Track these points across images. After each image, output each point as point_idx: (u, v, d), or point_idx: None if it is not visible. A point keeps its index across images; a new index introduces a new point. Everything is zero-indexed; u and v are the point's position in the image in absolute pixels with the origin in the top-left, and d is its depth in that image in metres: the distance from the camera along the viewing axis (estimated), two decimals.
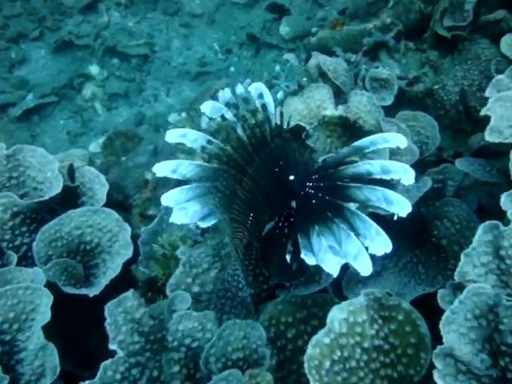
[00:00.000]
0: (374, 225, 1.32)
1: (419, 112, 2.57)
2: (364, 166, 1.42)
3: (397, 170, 1.36)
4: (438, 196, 2.22)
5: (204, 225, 1.51)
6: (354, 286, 1.83)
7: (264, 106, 1.61)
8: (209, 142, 1.61)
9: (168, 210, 2.18)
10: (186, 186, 1.54)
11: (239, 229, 1.50)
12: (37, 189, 2.12)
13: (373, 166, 1.39)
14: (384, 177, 1.38)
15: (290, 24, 4.01)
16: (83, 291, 1.84)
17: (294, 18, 4.02)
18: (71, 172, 2.17)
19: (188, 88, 4.02)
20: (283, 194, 1.57)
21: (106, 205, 2.16)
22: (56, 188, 2.04)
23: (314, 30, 3.70)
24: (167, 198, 1.50)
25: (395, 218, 1.32)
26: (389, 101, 2.65)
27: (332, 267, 1.29)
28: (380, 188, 1.36)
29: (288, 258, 1.44)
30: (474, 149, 2.58)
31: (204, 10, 4.57)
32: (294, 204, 1.57)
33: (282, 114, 1.64)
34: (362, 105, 2.43)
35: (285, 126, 1.66)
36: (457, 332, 1.32)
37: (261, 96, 1.65)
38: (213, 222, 1.53)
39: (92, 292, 1.83)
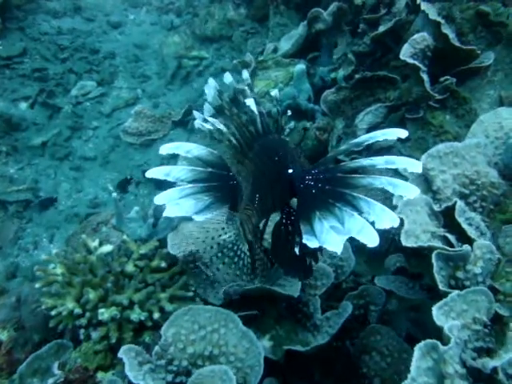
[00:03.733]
0: (379, 204, 1.30)
1: None
2: (366, 160, 1.40)
3: (402, 161, 1.35)
4: (362, 325, 1.99)
5: (199, 218, 1.54)
6: None
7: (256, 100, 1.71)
8: (205, 122, 1.70)
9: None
10: (180, 187, 1.57)
11: (248, 206, 1.54)
12: None
13: (375, 160, 1.39)
14: (389, 167, 1.36)
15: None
16: None
17: None
18: None
19: None
20: (282, 187, 1.60)
21: None
22: None
23: None
24: (160, 198, 1.51)
25: (404, 199, 1.34)
26: None
27: (335, 245, 1.27)
28: (383, 176, 1.35)
29: (297, 250, 1.43)
30: (392, 271, 2.48)
31: (97, 152, 4.51)
32: (294, 202, 1.59)
33: (278, 112, 1.73)
34: None
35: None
36: None
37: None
38: (208, 215, 1.57)
39: None
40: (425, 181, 2.02)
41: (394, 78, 2.96)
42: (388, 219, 1.26)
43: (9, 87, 5.06)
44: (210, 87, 1.78)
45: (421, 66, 2.82)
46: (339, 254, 1.27)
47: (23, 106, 4.90)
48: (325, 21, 3.76)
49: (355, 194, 1.36)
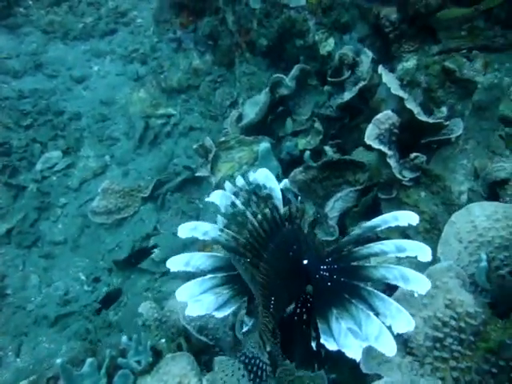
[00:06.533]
0: (394, 303, 1.34)
1: None
2: (377, 246, 1.46)
3: (412, 248, 1.40)
4: None
5: (219, 315, 1.51)
6: None
7: (270, 195, 1.77)
8: (221, 232, 1.71)
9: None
10: (200, 279, 1.57)
11: (265, 313, 1.51)
12: None
13: (386, 246, 1.44)
14: (399, 255, 1.41)
15: (162, 242, 3.86)
16: None
17: (164, 236, 3.89)
18: None
19: (46, 338, 3.52)
20: (298, 279, 1.63)
21: None
22: None
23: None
24: (182, 293, 1.51)
25: (415, 295, 1.35)
26: None
27: (354, 352, 1.28)
28: (396, 266, 1.39)
29: (313, 344, 1.45)
30: None
31: (67, 235, 4.34)
32: (310, 289, 1.61)
33: (290, 200, 1.80)
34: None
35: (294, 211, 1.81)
36: None
37: (265, 185, 1.85)
38: (228, 311, 1.54)
39: None
40: None
41: (360, 162, 2.80)
42: (404, 323, 1.30)
43: None
44: (218, 196, 1.83)
45: (387, 151, 2.67)
46: (358, 361, 1.28)
47: None
48: (287, 86, 3.60)
49: (370, 289, 1.39)
